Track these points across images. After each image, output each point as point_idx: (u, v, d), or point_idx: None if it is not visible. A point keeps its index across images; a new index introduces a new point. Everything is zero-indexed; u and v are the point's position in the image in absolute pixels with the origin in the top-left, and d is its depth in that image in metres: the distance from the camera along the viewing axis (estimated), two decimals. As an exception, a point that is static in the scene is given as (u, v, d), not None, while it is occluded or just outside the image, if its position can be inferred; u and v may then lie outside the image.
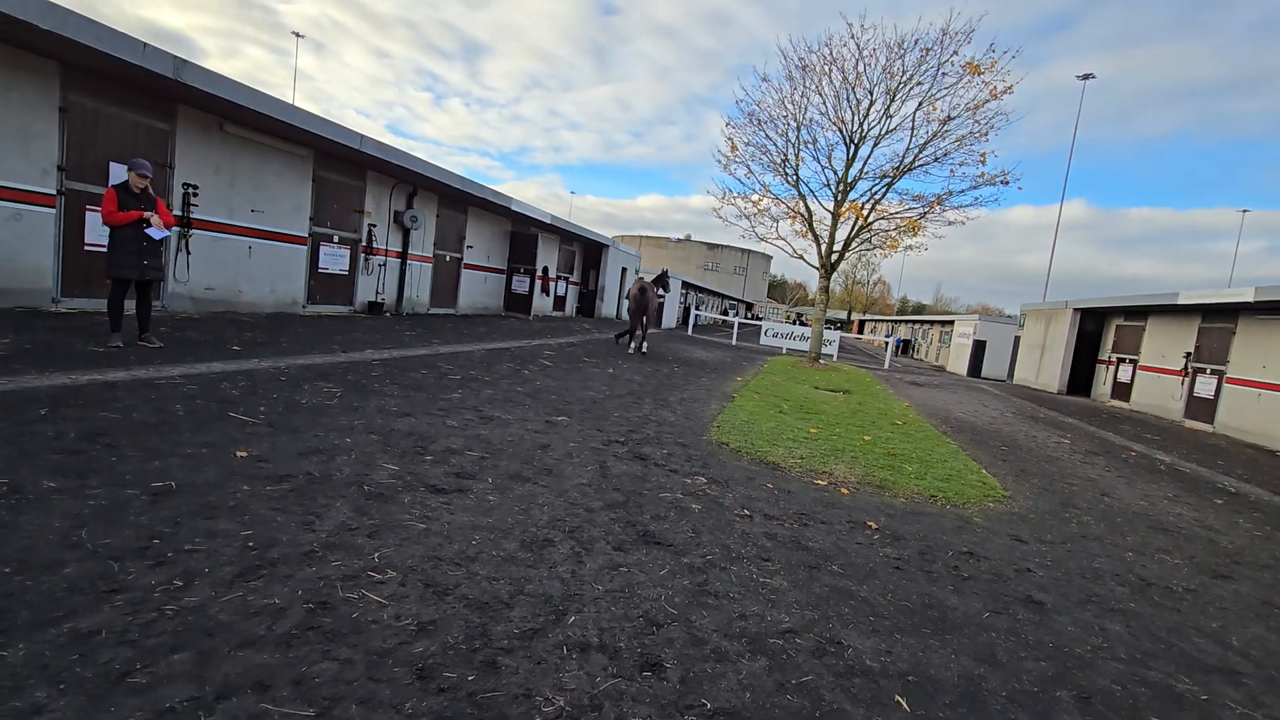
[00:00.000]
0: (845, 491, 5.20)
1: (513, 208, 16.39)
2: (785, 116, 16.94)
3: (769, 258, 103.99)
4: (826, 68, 15.71)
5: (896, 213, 15.87)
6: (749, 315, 60.85)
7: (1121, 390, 18.96)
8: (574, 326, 18.75)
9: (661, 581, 3.03)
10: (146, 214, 6.00)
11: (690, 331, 27.38)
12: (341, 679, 2.01)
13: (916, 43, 15.09)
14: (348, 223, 12.43)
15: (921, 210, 15.38)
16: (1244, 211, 59.85)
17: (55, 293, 7.74)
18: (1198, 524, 5.70)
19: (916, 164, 15.98)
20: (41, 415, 3.86)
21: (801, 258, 18.34)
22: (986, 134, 14.55)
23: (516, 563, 2.99)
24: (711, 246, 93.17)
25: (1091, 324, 20.88)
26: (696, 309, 38.61)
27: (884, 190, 16.41)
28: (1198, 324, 15.82)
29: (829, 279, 17.82)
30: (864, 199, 16.76)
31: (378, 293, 13.48)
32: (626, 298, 13.69)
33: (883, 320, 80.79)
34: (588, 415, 6.58)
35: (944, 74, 15.27)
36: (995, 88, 14.36)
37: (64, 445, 3.46)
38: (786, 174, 17.37)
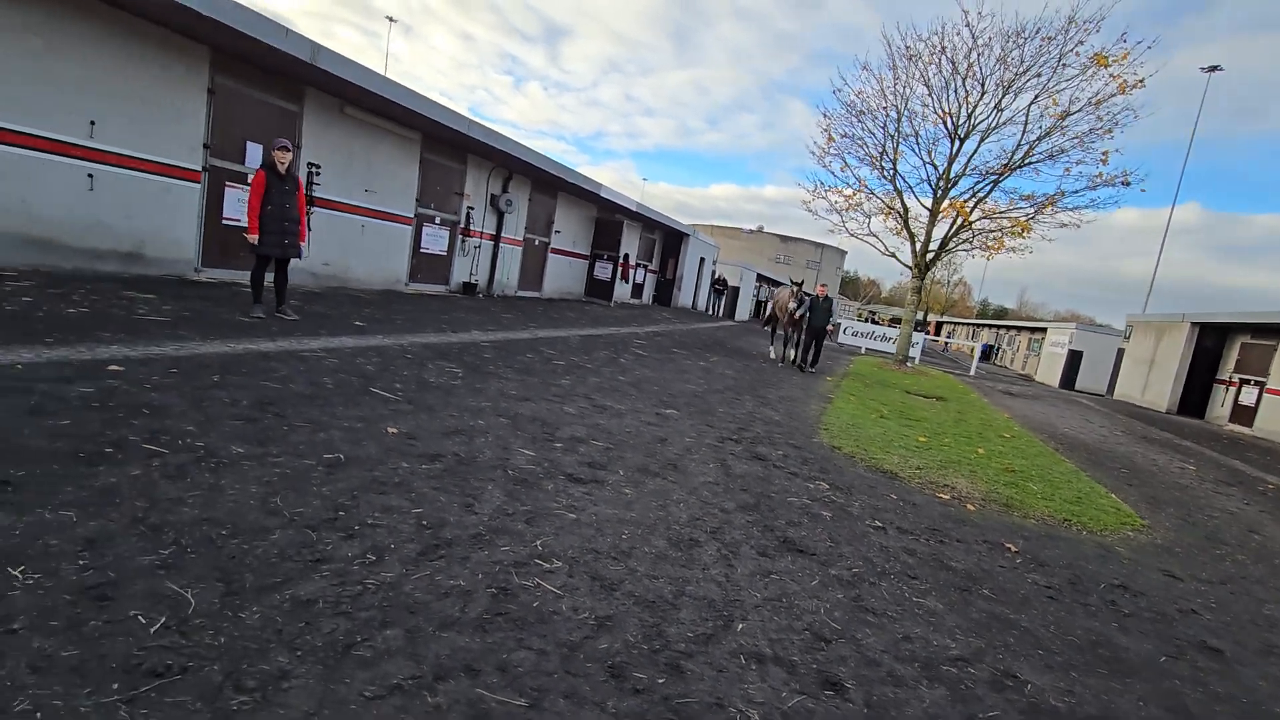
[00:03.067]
0: (971, 508, 4.97)
1: (601, 194, 16.47)
2: (886, 107, 16.30)
3: (844, 253, 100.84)
4: (935, 56, 14.97)
5: (1003, 212, 15.02)
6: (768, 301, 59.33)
7: (1244, 414, 17.42)
8: (654, 315, 18.76)
9: (815, 593, 2.96)
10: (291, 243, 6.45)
11: (765, 325, 26.94)
12: (541, 670, 2.04)
13: (1038, 31, 14.16)
14: (448, 205, 12.79)
15: (1032, 211, 14.49)
16: None
17: (197, 263, 8.31)
18: (1371, 574, 5.16)
19: (1028, 161, 15.08)
20: (215, 382, 4.13)
21: (894, 256, 17.68)
22: (1110, 131, 13.52)
23: (669, 561, 2.99)
24: (784, 239, 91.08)
25: (1211, 340, 19.24)
26: (763, 300, 38.03)
27: (989, 188, 15.58)
28: (1344, 347, 14.32)
29: (922, 279, 17.12)
30: (965, 197, 15.97)
31: (471, 274, 13.85)
32: (774, 305, 13.05)
33: (962, 323, 77.17)
34: (694, 409, 6.55)
35: (1065, 65, 14.30)
36: (1124, 82, 13.32)
37: (239, 412, 3.68)
38: (883, 168, 16.73)
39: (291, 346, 5.52)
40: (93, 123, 6.92)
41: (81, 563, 2.07)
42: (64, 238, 6.92)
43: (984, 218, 15.21)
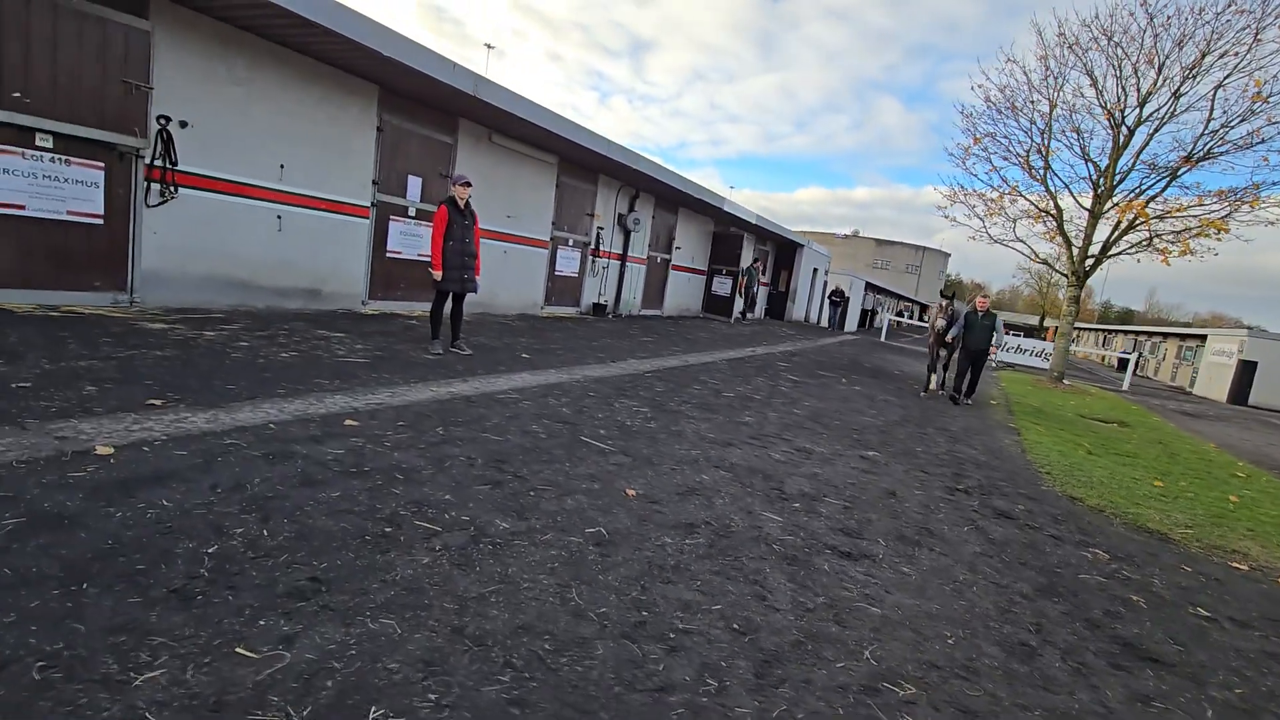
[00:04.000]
0: (1285, 584, 4.08)
1: (724, 209, 16.04)
2: (1036, 102, 14.92)
3: (946, 255, 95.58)
4: (1099, 40, 13.51)
5: (1189, 209, 13.27)
6: (924, 318, 56.31)
7: None
8: (776, 332, 18.06)
9: (1225, 732, 2.33)
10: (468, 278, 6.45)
11: (884, 338, 25.54)
12: None
13: (1230, 3, 12.46)
14: (579, 226, 12.75)
15: (1226, 208, 12.71)
16: None
17: (365, 296, 8.54)
18: None
19: (1213, 152, 13.29)
20: (441, 435, 3.97)
21: (1046, 263, 16.18)
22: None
23: (1021, 679, 2.44)
24: (880, 243, 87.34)
25: None
26: (870, 309, 36.33)
27: (1165, 184, 13.87)
28: None
29: (1081, 288, 15.50)
30: (1131, 196, 14.30)
31: (600, 294, 13.76)
32: (931, 326, 10.14)
33: (1086, 329, 70.69)
34: (890, 449, 5.92)
35: (1261, 41, 12.49)
36: (1348, 54, 11.43)
37: (481, 474, 3.47)
38: (1033, 168, 15.32)
39: (484, 388, 5.39)
40: (282, 166, 7.21)
41: (433, 698, 1.80)
42: (258, 278, 7.23)
43: (1167, 216, 13.51)
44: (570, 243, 12.53)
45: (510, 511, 3.07)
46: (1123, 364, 38.29)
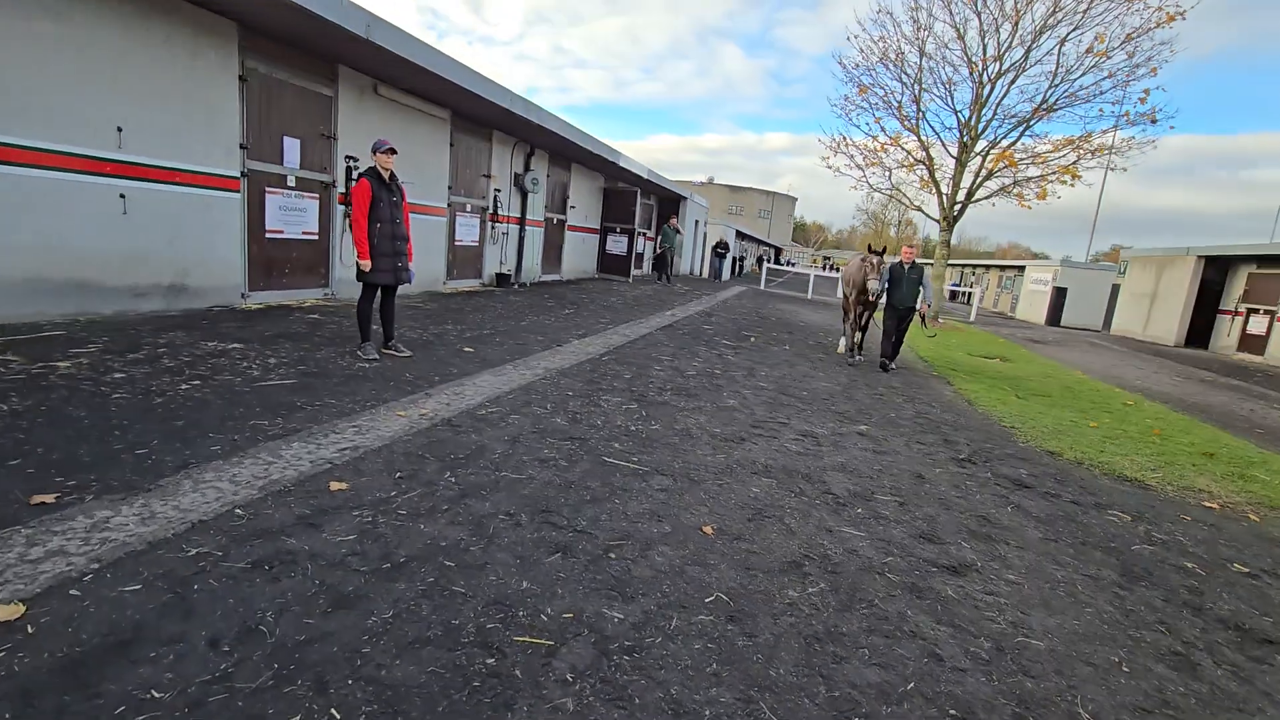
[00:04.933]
0: (1256, 518, 4.48)
1: (620, 164, 15.28)
2: (908, 53, 15.52)
3: (793, 199, 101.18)
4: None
5: (1048, 158, 14.57)
6: (780, 261, 59.53)
7: (1253, 343, 17.90)
8: (675, 289, 17.84)
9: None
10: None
11: (763, 285, 26.33)
12: None
13: (1076, -36, 13.49)
14: (476, 189, 11.47)
15: (1076, 153, 14.08)
16: None
17: (244, 287, 7.00)
18: None
19: (1058, 106, 14.61)
20: (456, 487, 3.16)
21: (920, 209, 17.19)
22: (1156, 69, 13.11)
23: (1221, 702, 2.30)
24: (734, 189, 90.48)
25: (1213, 272, 19.64)
26: (739, 256, 37.39)
27: (1019, 134, 15.12)
28: (1366, 274, 14.64)
29: (951, 231, 16.70)
30: (985, 147, 15.47)
31: (501, 262, 12.64)
32: (843, 281, 9.43)
33: (925, 263, 78.37)
34: (867, 418, 5.85)
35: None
36: (1170, 11, 12.84)
37: (537, 537, 2.77)
38: (906, 117, 16.06)
39: (455, 403, 4.51)
40: (120, 129, 5.53)
41: None
42: (103, 276, 5.59)
43: (1032, 165, 14.75)
44: (469, 208, 11.26)
45: (608, 591, 2.44)
46: (953, 295, 42.82)
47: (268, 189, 7.11)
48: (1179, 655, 2.59)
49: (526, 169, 12.90)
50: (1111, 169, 13.94)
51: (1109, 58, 13.21)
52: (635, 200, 17.43)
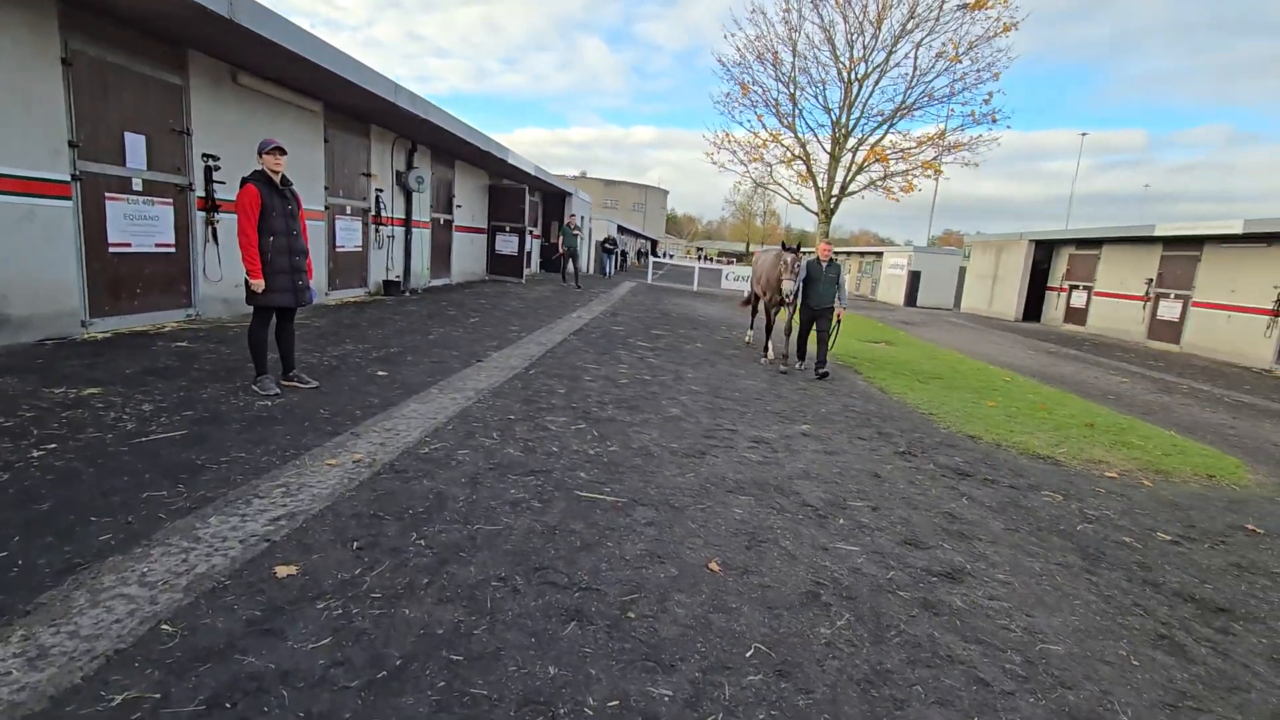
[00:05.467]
0: (1149, 484, 5.01)
1: (509, 160, 14.62)
2: (781, 51, 16.15)
3: (666, 192, 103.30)
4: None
5: (913, 155, 15.75)
6: (658, 253, 60.66)
7: (1076, 315, 20.56)
8: (575, 290, 17.43)
9: (1341, 674, 2.60)
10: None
11: (650, 279, 26.55)
12: None
13: (926, -25, 14.63)
14: (356, 189, 10.44)
15: (936, 150, 15.33)
16: (1083, 134, 66.49)
17: (84, 313, 5.82)
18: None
19: (917, 106, 15.86)
20: (425, 549, 2.72)
21: (800, 203, 18.02)
22: (998, 75, 14.56)
23: (1216, 681, 2.45)
24: (607, 183, 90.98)
25: (1041, 254, 22.30)
26: (617, 250, 37.52)
27: (884, 132, 16.25)
28: (1159, 252, 17.21)
29: (829, 223, 17.65)
30: (858, 141, 16.52)
31: (388, 268, 11.65)
32: (753, 280, 9.13)
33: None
34: (803, 415, 5.94)
35: (946, 7, 15.01)
36: (1007, 22, 14.29)
37: (540, 604, 2.43)
38: (783, 115, 16.74)
39: (391, 443, 3.97)
40: (-99, 124, 4.33)
41: None
42: (-110, 313, 4.37)
43: (902, 159, 15.87)
44: (349, 210, 10.23)
45: (643, 662, 2.17)
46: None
47: (108, 195, 5.96)
48: (1165, 639, 2.74)
49: (409, 166, 11.97)
50: (965, 164, 15.33)
51: (960, 62, 14.46)
52: (524, 198, 16.80)
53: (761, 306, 8.75)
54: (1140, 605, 3.01)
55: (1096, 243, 19.87)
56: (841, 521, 3.59)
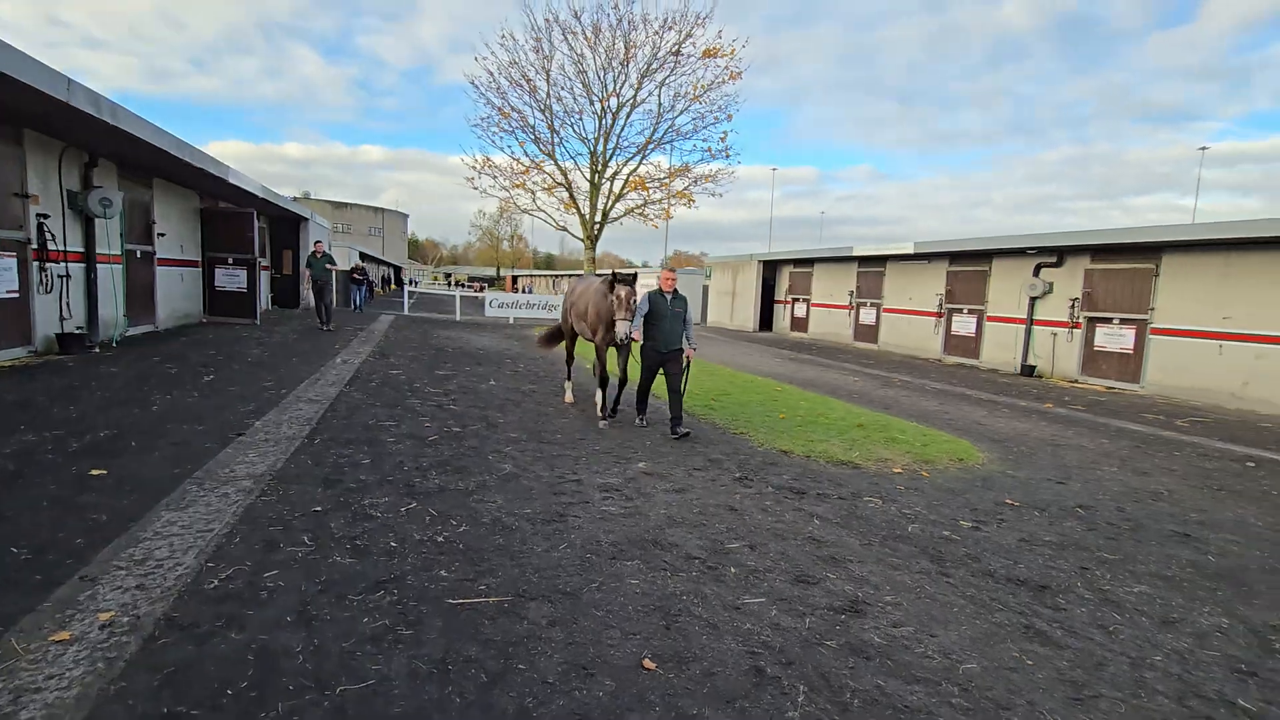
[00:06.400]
0: (927, 475, 5.85)
1: (230, 179, 12.21)
2: (535, 79, 16.26)
3: (405, 215, 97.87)
4: (591, 35, 15.49)
5: (663, 180, 16.91)
6: (403, 281, 57.44)
7: (799, 324, 24.09)
8: (326, 331, 15.17)
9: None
10: None
11: (406, 310, 24.64)
12: None
13: (666, 22, 15.93)
14: (8, 216, 7.71)
15: (687, 181, 16.70)
16: (774, 169, 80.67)
17: None
18: (1105, 453, 8.04)
19: (666, 139, 17.19)
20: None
21: (565, 230, 18.22)
22: (731, 115, 16.42)
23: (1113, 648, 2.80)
24: (337, 205, 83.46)
25: (769, 272, 25.75)
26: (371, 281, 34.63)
27: (638, 163, 17.29)
28: (856, 269, 20.99)
29: (594, 248, 18.13)
30: (614, 171, 17.36)
31: (64, 318, 8.82)
32: (570, 312, 7.86)
33: (542, 275, 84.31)
34: (636, 452, 5.83)
35: (682, 52, 16.54)
36: (734, 71, 16.21)
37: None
38: (541, 141, 16.84)
39: (154, 584, 2.79)
40: None
41: None
42: None
43: (660, 188, 16.87)
44: (-5, 244, 7.52)
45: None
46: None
47: None
48: (1030, 628, 3.08)
49: (87, 185, 9.28)
50: (712, 195, 16.98)
51: (701, 102, 15.98)
52: (252, 224, 14.25)
53: (599, 348, 7.07)
54: (995, 600, 3.36)
55: (810, 261, 23.54)
56: (733, 570, 3.46)
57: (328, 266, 14.01)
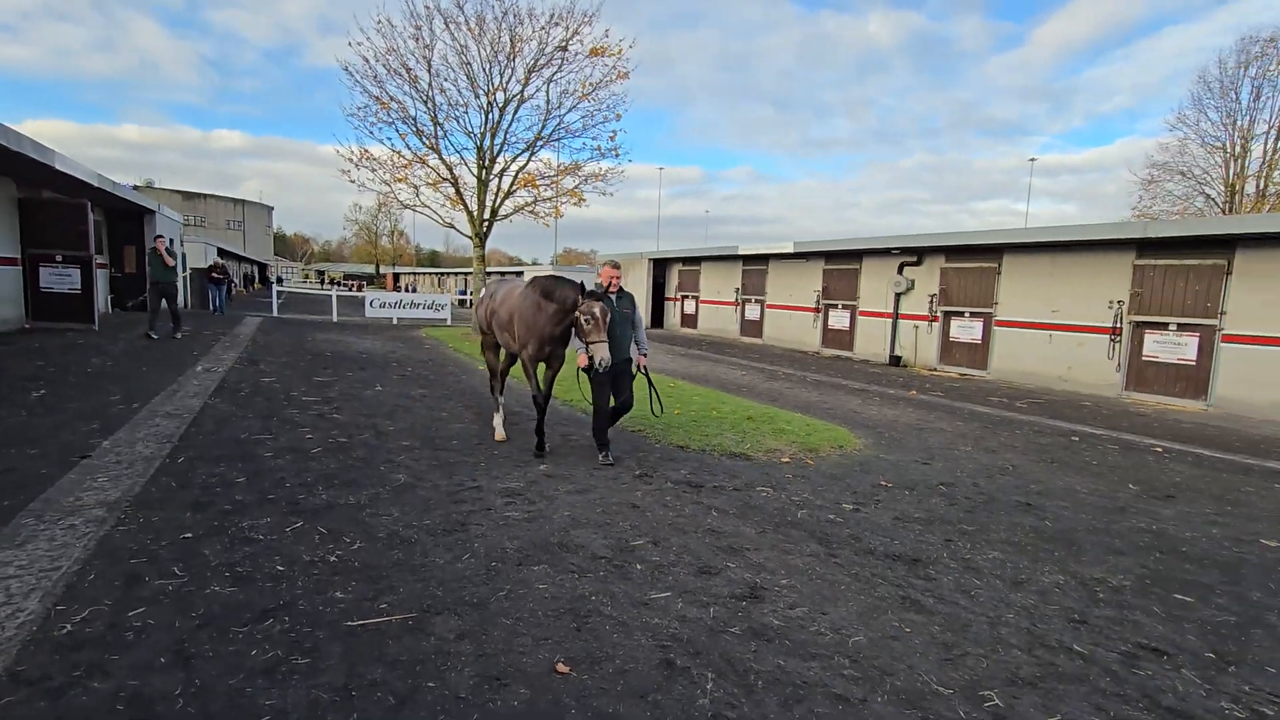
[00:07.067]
0: (811, 463, 6.27)
1: (56, 165, 10.71)
2: (415, 68, 15.58)
3: (270, 208, 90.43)
4: (475, 27, 15.02)
5: (553, 177, 16.72)
6: (270, 278, 53.36)
7: (689, 320, 24.79)
8: (176, 338, 13.66)
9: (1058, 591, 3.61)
10: None
11: (276, 311, 22.83)
12: None
13: (552, 18, 15.74)
14: None
15: (579, 180, 16.62)
16: (661, 169, 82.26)
17: None
18: (964, 433, 8.85)
19: (555, 136, 17.01)
20: None
21: (452, 226, 17.60)
22: (620, 115, 16.53)
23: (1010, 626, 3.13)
24: (188, 196, 75.65)
25: (659, 270, 26.27)
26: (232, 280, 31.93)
27: (527, 159, 16.99)
28: (741, 268, 21.89)
29: (484, 246, 17.64)
30: (503, 167, 17.00)
31: None
32: (489, 321, 6.40)
33: (426, 273, 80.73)
34: (523, 452, 5.80)
35: (568, 49, 16.44)
36: (621, 71, 16.32)
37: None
38: (424, 136, 16.17)
39: (-14, 629, 2.44)
40: None
41: None
42: None
43: (549, 185, 16.62)
44: None
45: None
46: (462, 302, 45.76)
47: None
48: (907, 599, 3.40)
49: None
50: (602, 194, 17.02)
51: (589, 100, 15.97)
52: (85, 217, 12.58)
53: (527, 361, 5.78)
54: (876, 575, 3.68)
55: (698, 260, 24.28)
56: (639, 567, 3.54)
57: (168, 264, 12.18)
